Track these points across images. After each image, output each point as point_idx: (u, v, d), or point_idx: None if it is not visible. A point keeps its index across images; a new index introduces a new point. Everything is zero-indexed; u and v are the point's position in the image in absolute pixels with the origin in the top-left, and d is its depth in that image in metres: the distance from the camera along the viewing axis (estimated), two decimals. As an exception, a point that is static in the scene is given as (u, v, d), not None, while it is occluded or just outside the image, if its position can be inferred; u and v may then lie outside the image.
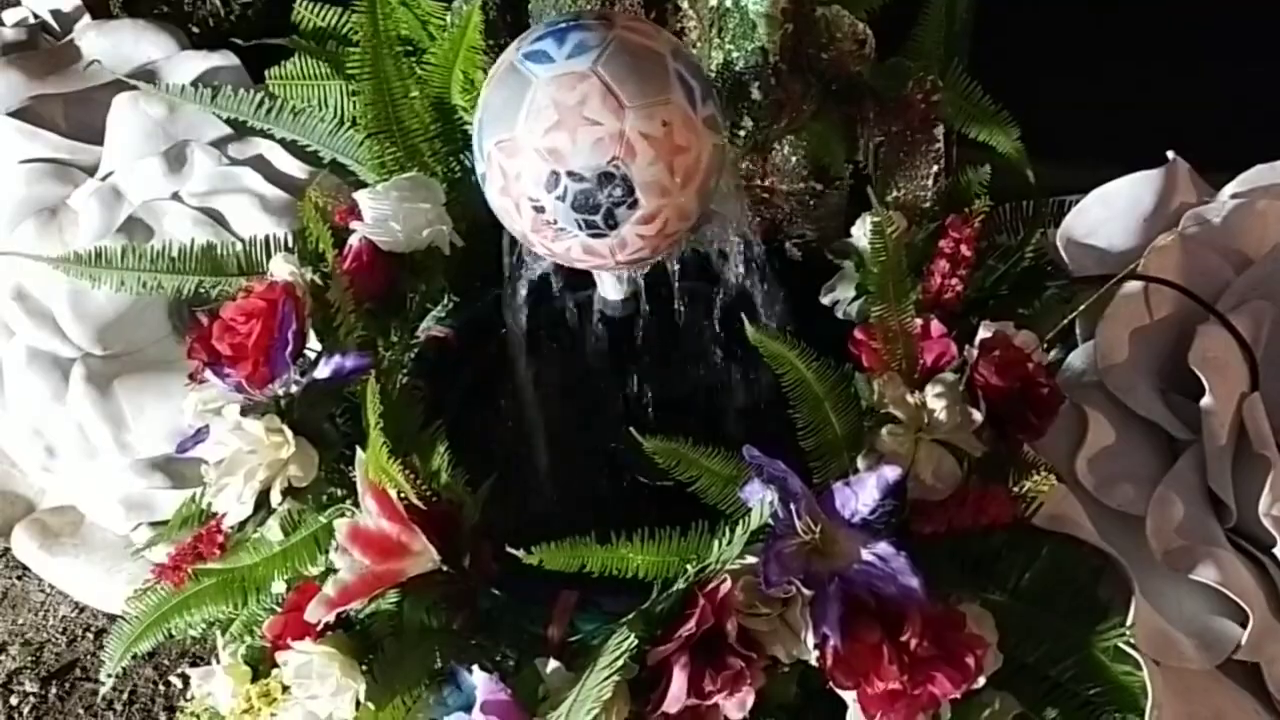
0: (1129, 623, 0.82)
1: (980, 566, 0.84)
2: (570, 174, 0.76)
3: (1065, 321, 0.92)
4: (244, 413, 0.85)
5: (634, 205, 0.77)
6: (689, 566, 0.77)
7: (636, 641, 0.74)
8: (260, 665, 0.84)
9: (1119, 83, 1.43)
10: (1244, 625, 0.85)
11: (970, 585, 0.82)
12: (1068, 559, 0.85)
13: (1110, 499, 0.89)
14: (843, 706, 0.77)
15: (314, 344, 0.92)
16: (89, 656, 1.25)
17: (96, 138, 1.24)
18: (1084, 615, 0.83)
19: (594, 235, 0.78)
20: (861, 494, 0.77)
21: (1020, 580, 0.84)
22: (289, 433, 0.84)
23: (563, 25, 0.78)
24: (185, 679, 1.19)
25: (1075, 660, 0.83)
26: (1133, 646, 0.81)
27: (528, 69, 0.77)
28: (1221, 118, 1.35)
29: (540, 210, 0.78)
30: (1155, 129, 1.13)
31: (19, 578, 1.31)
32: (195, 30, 1.49)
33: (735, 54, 0.99)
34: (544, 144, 0.76)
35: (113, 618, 1.22)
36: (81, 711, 1.22)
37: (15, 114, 1.25)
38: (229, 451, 0.84)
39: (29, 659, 1.25)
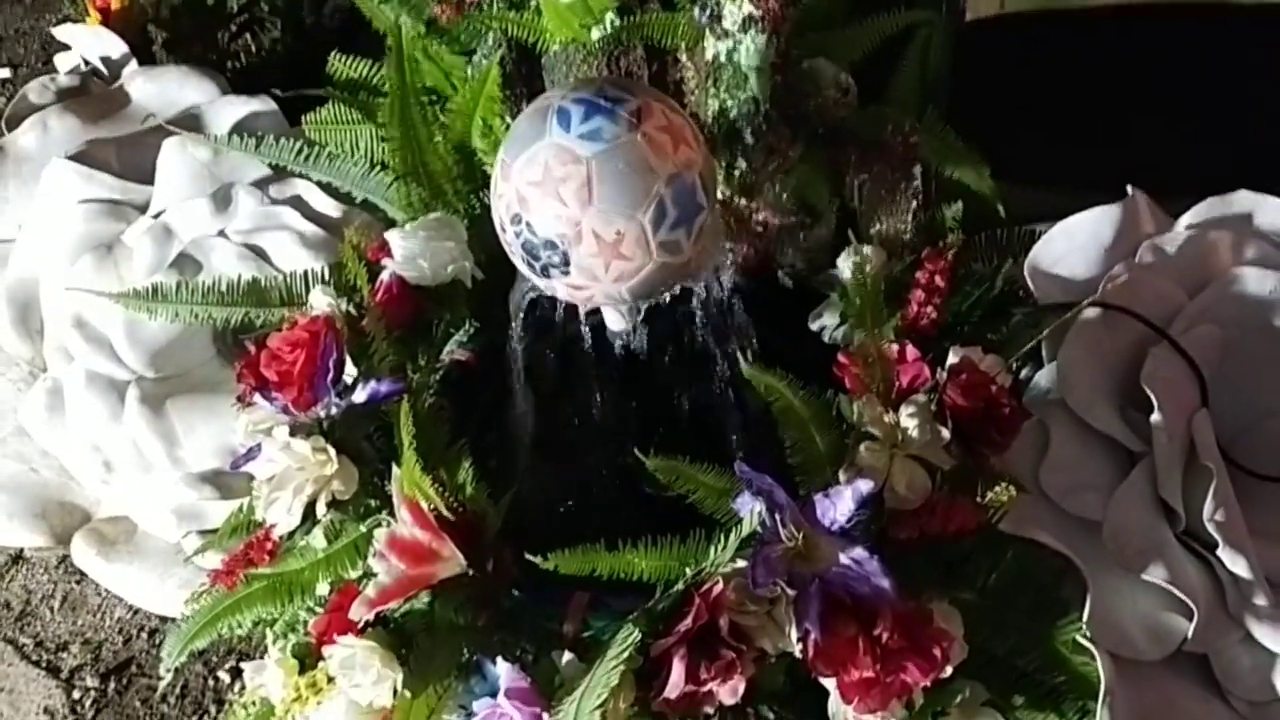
0: (1086, 618, 0.87)
1: (951, 568, 0.90)
2: (528, 224, 0.83)
3: (1030, 345, 0.99)
4: (291, 433, 0.92)
5: (566, 273, 0.84)
6: (687, 570, 0.84)
7: (640, 636, 0.81)
8: (306, 659, 0.90)
9: (1094, 115, 1.50)
10: (1191, 620, 0.91)
11: (943, 585, 0.88)
12: (1031, 561, 0.91)
13: (1071, 506, 0.95)
14: (827, 695, 0.83)
15: (349, 369, 0.99)
16: (144, 654, 1.30)
17: (147, 178, 1.30)
18: (1046, 612, 0.89)
19: (531, 273, 0.87)
20: (839, 505, 0.84)
21: (988, 580, 0.89)
22: (332, 451, 0.91)
23: (601, 101, 0.81)
24: (234, 673, 1.27)
25: (1038, 652, 0.89)
26: (1089, 639, 0.87)
27: (550, 122, 0.82)
28: (1186, 147, 1.41)
29: (503, 230, 0.86)
30: (1125, 156, 1.19)
31: (77, 582, 1.36)
32: (229, 65, 1.57)
33: (729, 103, 1.05)
34: (523, 190, 0.83)
35: (164, 619, 1.27)
36: (138, 704, 1.27)
37: (73, 157, 1.30)
38: (279, 468, 0.91)
39: (89, 656, 1.31)
